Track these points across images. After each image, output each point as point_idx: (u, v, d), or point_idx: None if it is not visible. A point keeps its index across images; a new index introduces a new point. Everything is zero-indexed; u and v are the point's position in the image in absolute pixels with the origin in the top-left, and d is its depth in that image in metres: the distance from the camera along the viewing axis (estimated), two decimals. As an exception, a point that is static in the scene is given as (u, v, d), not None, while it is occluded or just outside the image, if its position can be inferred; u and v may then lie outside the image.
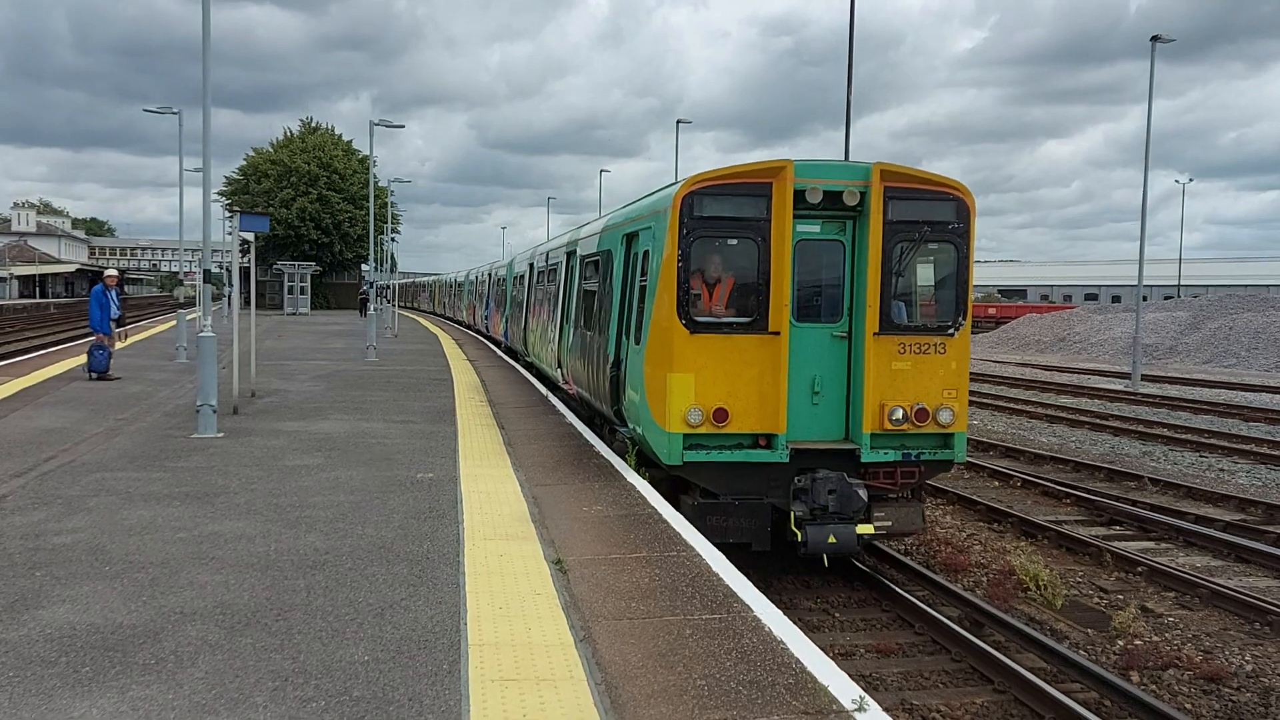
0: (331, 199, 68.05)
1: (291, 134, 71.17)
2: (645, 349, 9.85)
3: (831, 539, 8.93)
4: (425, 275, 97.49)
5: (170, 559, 6.65)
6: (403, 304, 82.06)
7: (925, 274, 9.69)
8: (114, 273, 19.00)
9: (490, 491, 8.98)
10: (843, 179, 9.22)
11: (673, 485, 9.72)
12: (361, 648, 5.13)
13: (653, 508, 8.46)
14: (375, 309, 31.43)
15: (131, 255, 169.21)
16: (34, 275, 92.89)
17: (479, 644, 5.20)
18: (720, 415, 9.06)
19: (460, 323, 49.23)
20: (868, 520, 9.22)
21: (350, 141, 72.99)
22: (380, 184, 60.41)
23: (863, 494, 9.02)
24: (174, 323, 26.55)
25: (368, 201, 48.41)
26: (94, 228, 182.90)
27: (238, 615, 5.58)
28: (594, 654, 5.10)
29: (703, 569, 6.65)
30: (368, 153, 46.01)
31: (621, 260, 11.45)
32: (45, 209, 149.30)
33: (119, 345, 19.35)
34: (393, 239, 74.39)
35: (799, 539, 9.02)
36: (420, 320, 53.79)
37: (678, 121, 48.70)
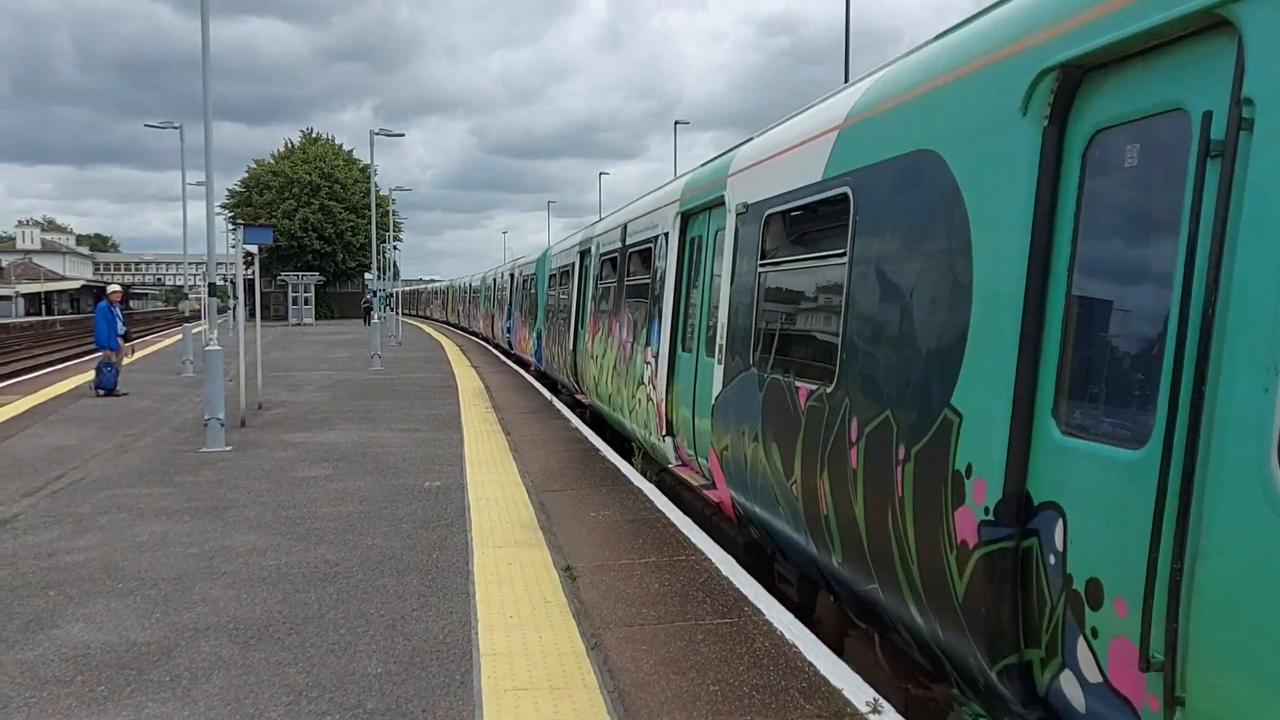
0: (333, 209, 68.34)
1: (292, 145, 71.48)
2: None
3: None
4: (433, 281, 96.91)
5: (182, 574, 6.68)
6: (408, 311, 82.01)
7: None
8: (117, 288, 19.07)
9: (498, 498, 8.99)
10: None
11: None
12: (374, 660, 5.15)
13: (660, 511, 8.46)
14: (379, 317, 31.51)
15: (136, 270, 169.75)
16: (40, 293, 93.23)
17: (491, 653, 5.21)
18: None
19: (477, 335, 41.82)
20: None
21: (351, 151, 73.37)
22: (382, 192, 60.57)
23: None
24: (180, 336, 26.64)
25: (369, 210, 48.54)
26: (98, 243, 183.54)
27: (250, 629, 5.60)
28: (606, 661, 5.11)
29: (713, 573, 6.66)
30: (369, 162, 46.17)
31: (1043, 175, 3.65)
32: (50, 226, 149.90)
33: (127, 360, 19.39)
34: (395, 247, 74.58)
35: None
36: (425, 328, 53.87)
37: (675, 123, 48.81)
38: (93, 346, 19.80)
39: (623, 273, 12.00)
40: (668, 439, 9.20)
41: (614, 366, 11.91)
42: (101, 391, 17.23)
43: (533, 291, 22.80)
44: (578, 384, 15.48)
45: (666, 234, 9.69)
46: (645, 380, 10.00)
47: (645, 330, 10.24)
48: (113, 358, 17.72)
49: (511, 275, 28.60)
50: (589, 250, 14.83)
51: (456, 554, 7.16)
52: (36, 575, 6.68)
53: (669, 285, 9.42)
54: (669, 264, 9.50)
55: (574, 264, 16.26)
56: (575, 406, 16.07)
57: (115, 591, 6.32)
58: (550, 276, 19.86)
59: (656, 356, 9.54)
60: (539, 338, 21.07)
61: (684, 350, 8.86)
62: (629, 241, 11.72)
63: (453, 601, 6.08)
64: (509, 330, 28.66)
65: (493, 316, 34.32)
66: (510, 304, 28.54)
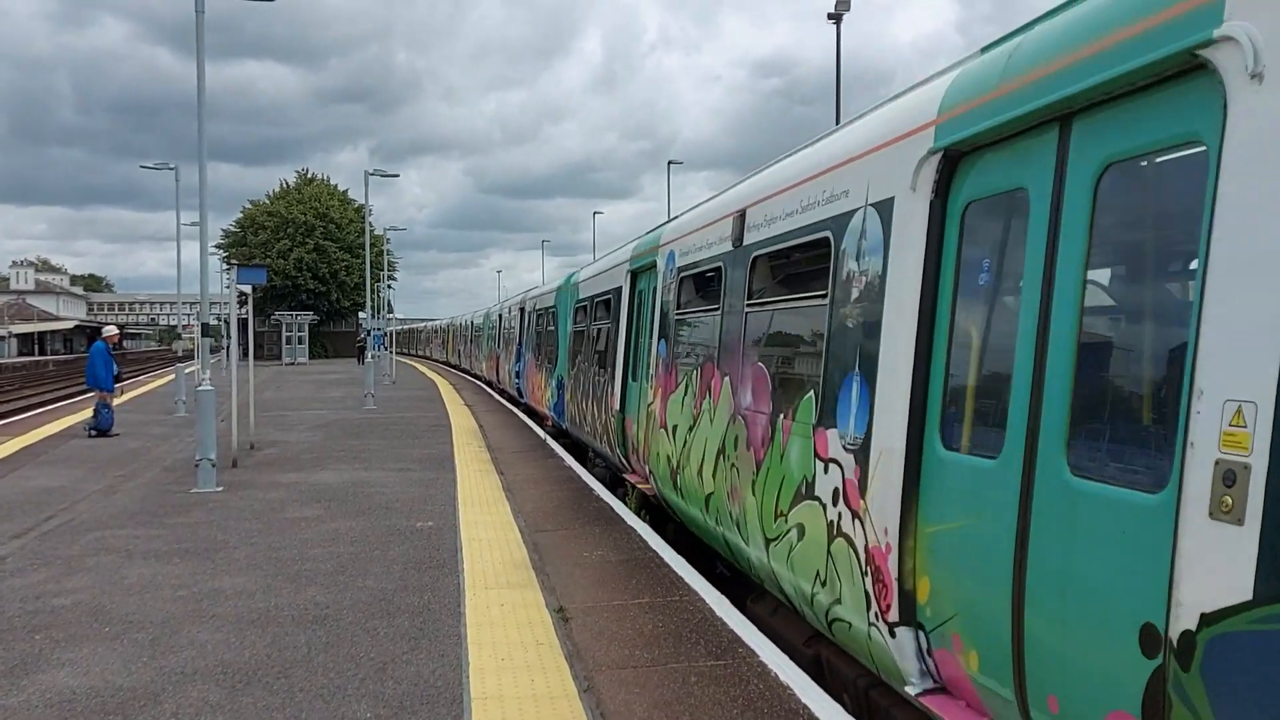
0: (328, 248, 68.58)
1: (288, 185, 71.89)
2: None
3: None
4: (429, 320, 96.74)
5: (170, 618, 6.61)
6: (407, 351, 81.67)
7: None
8: (113, 330, 19.07)
9: (490, 539, 8.94)
10: None
11: None
12: (364, 705, 5.09)
13: (654, 551, 8.42)
14: (373, 357, 31.46)
15: (130, 310, 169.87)
16: (33, 333, 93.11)
17: (482, 697, 5.15)
18: None
19: (480, 378, 36.23)
20: None
21: (346, 191, 73.83)
22: (377, 232, 60.84)
23: None
24: (173, 376, 26.58)
25: (364, 249, 48.75)
26: (92, 284, 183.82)
27: (239, 674, 5.54)
28: (598, 704, 5.05)
29: (706, 614, 6.61)
30: (364, 202, 46.50)
31: None
32: (44, 266, 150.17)
33: (117, 401, 19.34)
34: (390, 286, 74.77)
35: None
36: (420, 368, 53.84)
37: (669, 163, 49.15)
38: (84, 387, 19.72)
39: (739, 292, 7.20)
40: (902, 631, 4.46)
41: (722, 451, 7.28)
42: (94, 432, 17.16)
43: (552, 329, 17.93)
44: (626, 460, 11.14)
45: (883, 205, 4.86)
46: (819, 493, 5.38)
47: (815, 396, 5.57)
48: (108, 399, 17.68)
49: (522, 309, 23.13)
50: (653, 265, 10.28)
51: (448, 595, 7.10)
52: (23, 619, 6.61)
53: (894, 312, 4.66)
54: (891, 272, 4.73)
55: (621, 289, 11.92)
56: (615, 486, 11.93)
57: (103, 635, 6.25)
58: (577, 308, 15.35)
59: (859, 450, 4.87)
60: (560, 388, 16.32)
61: (953, 447, 4.25)
62: (752, 239, 6.99)
63: (444, 644, 6.03)
64: (518, 375, 23.44)
65: (498, 359, 28.55)
66: (520, 344, 23.30)
